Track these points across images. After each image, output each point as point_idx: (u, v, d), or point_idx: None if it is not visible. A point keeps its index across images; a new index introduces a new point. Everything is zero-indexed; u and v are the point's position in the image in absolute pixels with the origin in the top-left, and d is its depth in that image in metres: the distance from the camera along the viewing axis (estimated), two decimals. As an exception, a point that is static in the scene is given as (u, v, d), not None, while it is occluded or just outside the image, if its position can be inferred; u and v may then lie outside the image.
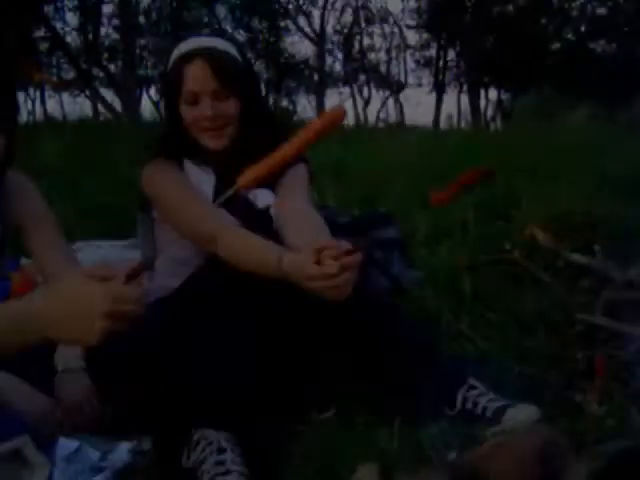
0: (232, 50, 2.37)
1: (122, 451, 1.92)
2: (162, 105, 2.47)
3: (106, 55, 21.36)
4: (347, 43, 26.80)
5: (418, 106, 39.28)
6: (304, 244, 1.99)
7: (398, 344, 2.24)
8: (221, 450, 1.87)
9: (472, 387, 2.19)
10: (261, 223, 2.34)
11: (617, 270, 3.08)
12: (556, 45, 24.89)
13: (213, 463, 1.85)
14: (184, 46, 2.31)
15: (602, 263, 3.20)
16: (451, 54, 26.65)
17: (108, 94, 19.80)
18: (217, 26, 22.49)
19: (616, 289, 2.98)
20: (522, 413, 2.03)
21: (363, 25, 27.30)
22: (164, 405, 2.03)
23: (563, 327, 2.83)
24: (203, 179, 2.39)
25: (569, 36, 25.00)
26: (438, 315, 2.98)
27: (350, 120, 22.40)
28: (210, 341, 2.09)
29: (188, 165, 2.40)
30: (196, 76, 2.24)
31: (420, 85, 28.30)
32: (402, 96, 29.36)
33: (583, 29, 24.72)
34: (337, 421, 2.19)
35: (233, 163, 2.34)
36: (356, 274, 1.88)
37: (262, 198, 2.39)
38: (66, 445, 1.86)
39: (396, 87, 28.57)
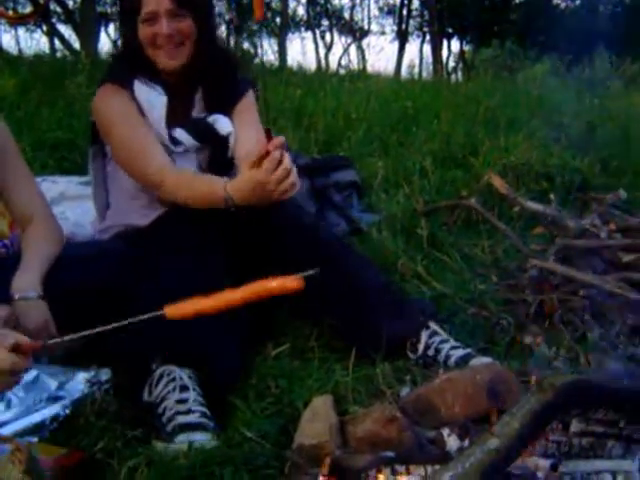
0: None
1: (79, 381, 1.93)
2: (119, 28, 2.50)
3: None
4: (311, -13, 26.49)
5: (380, 53, 39.21)
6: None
7: (357, 281, 2.28)
8: (184, 388, 1.90)
9: (435, 332, 2.23)
10: (222, 148, 2.44)
11: (571, 218, 3.14)
12: (520, -2, 24.83)
13: (175, 401, 1.87)
14: None
15: (557, 211, 3.25)
16: (415, 3, 26.50)
17: (66, 30, 19.40)
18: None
19: (569, 237, 3.04)
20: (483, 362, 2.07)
21: (328, -31, 26.96)
22: (125, 338, 2.04)
23: (516, 272, 2.88)
24: (154, 98, 2.39)
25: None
26: (395, 257, 3.01)
27: (312, 65, 22.26)
28: (175, 277, 2.11)
29: (138, 86, 2.39)
30: None
31: (383, 33, 28.15)
32: (364, 43, 29.20)
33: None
34: (293, 355, 2.23)
35: (184, 83, 2.43)
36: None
37: (222, 125, 2.44)
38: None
39: (359, 34, 28.35)
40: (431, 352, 2.18)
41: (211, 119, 2.43)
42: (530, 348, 2.28)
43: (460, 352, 2.14)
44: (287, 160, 1.98)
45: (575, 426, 1.54)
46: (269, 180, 1.98)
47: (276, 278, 1.54)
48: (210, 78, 2.44)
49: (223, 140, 2.42)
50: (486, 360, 2.09)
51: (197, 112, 2.48)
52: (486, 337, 2.36)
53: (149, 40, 2.33)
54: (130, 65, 2.42)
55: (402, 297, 2.39)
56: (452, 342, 2.20)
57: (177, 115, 2.42)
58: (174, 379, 1.92)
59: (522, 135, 5.27)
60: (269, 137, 2.02)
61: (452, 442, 1.60)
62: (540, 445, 1.51)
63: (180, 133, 2.38)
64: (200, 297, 1.54)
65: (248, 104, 2.54)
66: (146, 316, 1.52)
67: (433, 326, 2.24)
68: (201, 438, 1.76)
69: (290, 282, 1.53)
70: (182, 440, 1.75)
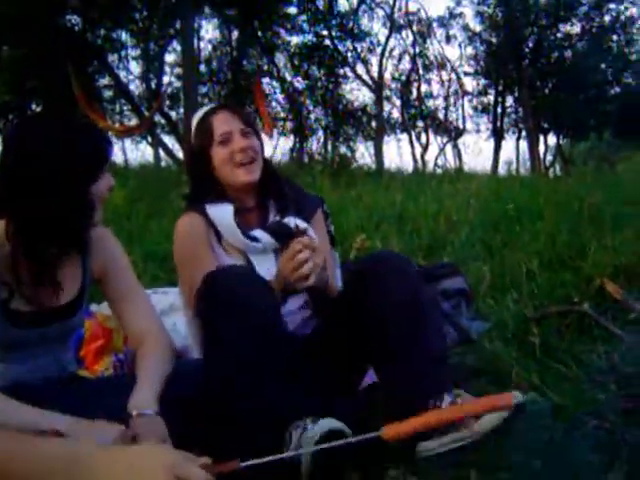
0: None
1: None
2: (190, 163, 2.87)
3: (168, 102, 21.76)
4: (405, 90, 26.88)
5: (480, 154, 39.31)
6: None
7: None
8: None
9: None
10: None
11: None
12: (615, 90, 24.65)
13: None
14: (203, 110, 2.74)
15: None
16: (509, 100, 26.61)
17: (169, 140, 20.21)
18: (276, 74, 22.79)
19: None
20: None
21: (421, 72, 27.41)
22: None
23: (636, 381, 2.78)
24: (223, 210, 2.61)
25: (628, 80, 24.76)
26: (508, 367, 2.95)
27: (408, 166, 22.49)
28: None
29: (208, 207, 2.63)
30: (225, 119, 2.64)
31: (478, 131, 28.15)
32: (460, 142, 29.35)
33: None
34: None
35: (256, 195, 2.72)
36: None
37: (299, 224, 2.61)
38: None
39: (454, 133, 28.54)
40: None
41: (287, 220, 2.63)
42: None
43: None
44: (303, 255, 2.29)
45: None
46: (285, 266, 2.31)
47: (485, 398, 1.72)
48: (279, 189, 2.72)
49: (301, 234, 2.55)
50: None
51: (272, 219, 2.70)
52: (611, 452, 2.25)
53: (227, 159, 2.61)
54: (201, 192, 2.69)
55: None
56: None
57: (252, 222, 2.67)
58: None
59: (630, 232, 5.16)
60: (297, 234, 2.45)
61: None
62: None
63: (258, 232, 2.60)
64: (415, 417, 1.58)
65: (320, 218, 2.81)
66: (362, 437, 1.57)
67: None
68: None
69: (501, 401, 1.60)
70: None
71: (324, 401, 2.28)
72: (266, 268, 2.51)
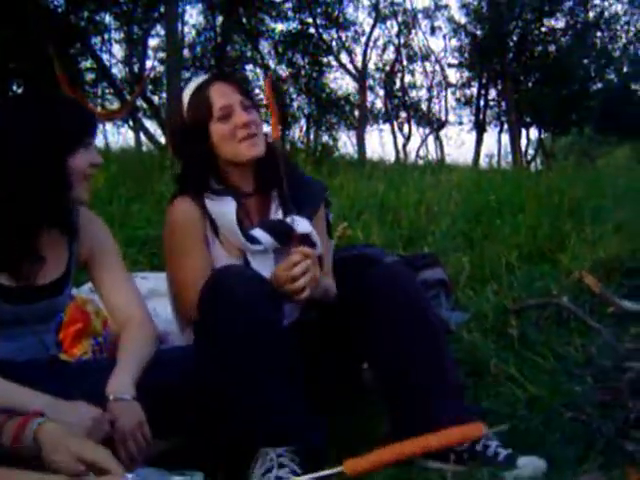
0: None
1: (174, 486, 1.92)
2: (182, 140, 2.55)
3: (150, 87, 21.63)
4: (388, 80, 26.87)
5: (462, 146, 39.37)
6: None
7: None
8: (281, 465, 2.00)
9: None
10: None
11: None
12: (598, 86, 24.78)
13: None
14: (196, 82, 2.52)
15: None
16: (492, 93, 26.65)
17: (151, 125, 20.10)
18: (260, 61, 22.70)
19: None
20: (533, 463, 2.04)
21: (405, 63, 27.42)
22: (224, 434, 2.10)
23: (613, 374, 2.80)
24: (224, 206, 2.43)
25: (611, 77, 24.89)
26: (486, 359, 2.96)
27: (390, 156, 22.50)
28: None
29: (208, 202, 2.45)
30: (223, 91, 2.44)
31: (461, 123, 28.19)
32: (442, 134, 29.41)
33: (625, 70, 24.63)
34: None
35: (257, 183, 2.54)
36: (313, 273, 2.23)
37: (302, 226, 2.44)
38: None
39: (437, 125, 28.58)
40: (479, 447, 2.11)
41: (289, 219, 2.45)
42: (633, 456, 2.19)
43: (506, 451, 2.10)
44: (299, 269, 2.20)
45: None
46: (280, 276, 2.22)
47: (456, 428, 1.69)
48: (282, 177, 2.44)
49: (304, 238, 2.42)
50: (532, 458, 2.05)
51: (274, 211, 2.53)
52: (585, 443, 2.27)
53: (228, 135, 2.41)
54: (194, 172, 2.49)
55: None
56: (497, 442, 2.14)
57: (253, 216, 2.51)
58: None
59: (610, 227, 5.20)
60: (300, 243, 2.32)
61: None
62: None
63: (259, 232, 2.42)
64: (379, 450, 1.56)
65: (322, 214, 2.63)
66: (325, 473, 1.57)
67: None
68: None
69: (472, 431, 1.57)
70: None
71: (323, 397, 2.28)
72: (265, 268, 2.38)
